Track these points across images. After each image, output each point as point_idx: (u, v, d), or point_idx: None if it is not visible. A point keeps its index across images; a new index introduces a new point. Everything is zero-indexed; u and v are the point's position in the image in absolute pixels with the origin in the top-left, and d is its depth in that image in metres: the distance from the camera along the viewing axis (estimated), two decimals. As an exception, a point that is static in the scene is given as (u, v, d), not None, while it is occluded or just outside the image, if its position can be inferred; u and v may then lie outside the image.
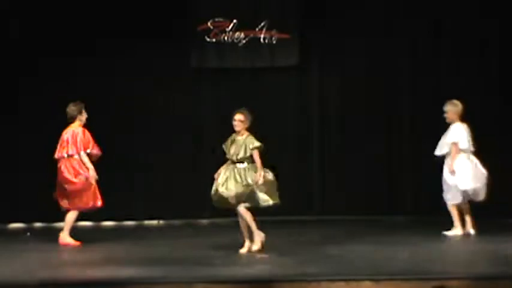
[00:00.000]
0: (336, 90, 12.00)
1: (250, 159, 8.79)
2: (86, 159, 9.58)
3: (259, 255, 8.60)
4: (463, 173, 9.92)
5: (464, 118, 10.23)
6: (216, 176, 8.83)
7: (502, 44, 11.68)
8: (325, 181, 11.94)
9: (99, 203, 9.68)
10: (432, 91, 11.57)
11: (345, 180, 11.80)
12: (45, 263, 8.42)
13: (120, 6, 11.57)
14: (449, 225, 10.10)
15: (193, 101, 11.78)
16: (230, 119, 11.58)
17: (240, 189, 8.68)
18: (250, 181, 8.67)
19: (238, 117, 8.87)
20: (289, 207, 11.64)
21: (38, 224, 11.59)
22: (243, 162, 8.77)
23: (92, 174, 9.57)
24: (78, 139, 9.60)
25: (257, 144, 8.80)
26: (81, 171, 9.58)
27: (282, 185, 11.64)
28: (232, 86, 11.89)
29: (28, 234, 10.91)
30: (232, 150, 8.83)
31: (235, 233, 10.01)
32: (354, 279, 7.22)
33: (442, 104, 10.23)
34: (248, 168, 8.76)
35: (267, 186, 8.75)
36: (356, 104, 11.90)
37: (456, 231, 10.01)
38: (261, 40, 11.76)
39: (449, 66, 11.81)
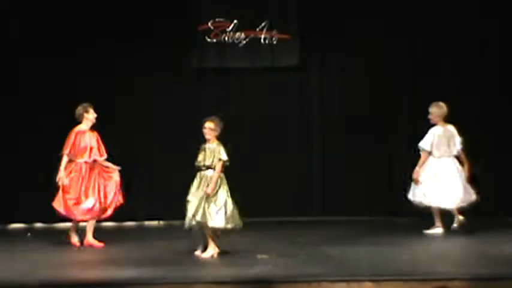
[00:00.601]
0: (336, 90, 11.99)
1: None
2: (62, 161, 9.50)
3: (259, 256, 8.59)
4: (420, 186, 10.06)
5: (462, 118, 10.25)
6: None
7: (502, 44, 11.68)
8: (325, 181, 11.93)
9: (61, 209, 9.57)
10: (433, 91, 11.55)
11: (345, 181, 11.78)
12: (45, 264, 8.42)
13: (121, 7, 11.57)
14: (449, 226, 10.15)
15: (193, 101, 11.76)
16: (231, 119, 11.60)
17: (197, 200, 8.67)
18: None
19: (209, 125, 8.77)
20: (289, 208, 11.70)
21: (38, 225, 11.59)
22: (209, 169, 8.72)
23: (59, 176, 9.48)
24: (69, 140, 9.57)
25: (225, 157, 8.72)
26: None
27: (282, 186, 11.73)
28: (233, 86, 11.89)
29: (28, 234, 10.91)
30: (200, 157, 8.78)
31: (235, 234, 10.02)
32: (354, 280, 7.23)
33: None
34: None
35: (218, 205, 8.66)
36: (356, 104, 11.89)
37: (437, 229, 10.07)
38: (262, 40, 11.77)
39: (449, 66, 11.79)
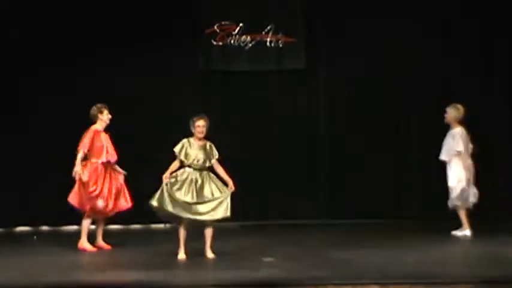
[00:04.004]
0: (342, 93, 11.97)
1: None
2: (78, 156, 9.36)
3: (265, 259, 8.57)
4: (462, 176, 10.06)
5: (466, 119, 10.26)
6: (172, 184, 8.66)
7: (509, 44, 11.68)
8: (332, 184, 11.91)
9: (75, 203, 9.48)
10: (439, 91, 11.54)
11: (352, 184, 11.76)
12: (52, 267, 8.42)
13: (126, 9, 11.56)
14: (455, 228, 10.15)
15: (199, 104, 11.75)
16: (237, 122, 11.59)
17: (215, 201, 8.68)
18: (222, 191, 8.65)
19: (205, 122, 8.79)
20: (295, 211, 11.68)
21: (44, 228, 11.60)
22: (205, 170, 8.73)
23: (75, 169, 9.32)
24: (85, 137, 9.48)
25: (217, 154, 8.81)
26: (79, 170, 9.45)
27: (288, 188, 11.71)
28: (239, 89, 11.89)
29: (35, 237, 10.92)
30: (200, 156, 8.72)
31: (241, 237, 10.02)
32: (360, 283, 7.22)
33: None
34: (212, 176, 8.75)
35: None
36: (363, 106, 11.88)
37: (466, 231, 10.06)
38: (267, 43, 11.77)
39: (456, 66, 11.76)
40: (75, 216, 9.84)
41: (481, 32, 11.71)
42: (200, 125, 8.77)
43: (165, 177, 8.68)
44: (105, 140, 9.61)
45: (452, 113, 10.18)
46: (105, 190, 9.52)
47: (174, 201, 8.60)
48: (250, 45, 11.78)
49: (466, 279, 7.32)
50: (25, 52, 11.43)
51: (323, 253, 8.99)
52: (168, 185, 8.64)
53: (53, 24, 11.47)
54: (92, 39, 11.46)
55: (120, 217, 10.48)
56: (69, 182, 9.85)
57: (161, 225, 11.63)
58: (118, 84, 11.55)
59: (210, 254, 8.73)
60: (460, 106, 10.20)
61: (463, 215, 10.10)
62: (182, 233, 8.73)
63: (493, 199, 10.21)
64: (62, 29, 11.49)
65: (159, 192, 8.67)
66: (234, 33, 11.78)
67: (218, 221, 8.75)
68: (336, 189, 11.86)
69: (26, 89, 11.49)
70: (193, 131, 8.84)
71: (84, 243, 9.51)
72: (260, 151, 11.75)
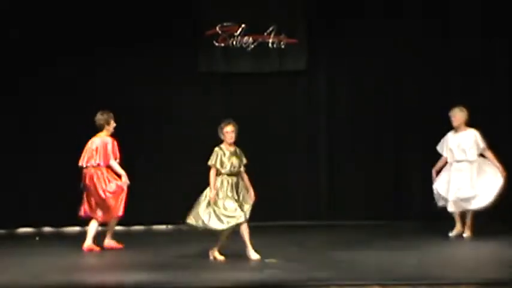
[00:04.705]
0: (344, 94, 11.99)
1: None
2: (117, 166, 9.48)
3: (267, 260, 8.59)
4: None
5: (473, 119, 10.29)
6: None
7: (509, 44, 11.69)
8: (333, 185, 11.92)
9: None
10: (441, 92, 11.56)
11: (354, 185, 11.78)
12: (54, 268, 8.43)
13: (124, 8, 11.57)
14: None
15: (201, 106, 11.78)
16: (239, 123, 11.57)
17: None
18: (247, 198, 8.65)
19: (233, 128, 8.66)
20: (297, 212, 11.71)
21: (47, 229, 11.61)
22: (237, 175, 8.67)
23: (125, 180, 9.49)
24: (109, 148, 9.50)
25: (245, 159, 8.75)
26: (112, 179, 9.51)
27: (290, 190, 11.74)
28: (241, 91, 11.89)
29: (37, 238, 10.94)
30: (236, 162, 8.64)
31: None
32: (362, 284, 7.24)
33: (452, 105, 10.25)
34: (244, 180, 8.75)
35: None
36: (363, 106, 11.89)
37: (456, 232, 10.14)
38: (270, 45, 11.77)
39: (457, 66, 11.77)
40: (77, 218, 9.85)
41: (481, 32, 11.71)
42: (229, 131, 8.63)
43: (214, 198, 8.53)
44: None
45: (460, 114, 10.19)
46: None
47: (222, 216, 8.53)
48: (252, 46, 11.78)
49: (467, 281, 7.33)
50: (25, 52, 11.44)
51: (324, 254, 9.00)
52: (216, 203, 8.52)
53: (53, 25, 11.48)
54: (92, 39, 11.47)
55: (122, 218, 10.50)
56: (70, 182, 9.90)
57: (163, 227, 11.67)
58: (118, 84, 11.57)
59: (219, 256, 8.74)
60: (463, 108, 10.24)
61: (471, 216, 10.16)
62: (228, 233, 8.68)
63: (497, 201, 10.22)
64: (62, 29, 11.49)
65: (210, 215, 8.49)
66: (236, 34, 11.77)
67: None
68: (336, 189, 11.87)
69: (26, 89, 11.50)
70: (222, 137, 8.66)
71: (90, 244, 9.56)
72: (260, 152, 11.75)
